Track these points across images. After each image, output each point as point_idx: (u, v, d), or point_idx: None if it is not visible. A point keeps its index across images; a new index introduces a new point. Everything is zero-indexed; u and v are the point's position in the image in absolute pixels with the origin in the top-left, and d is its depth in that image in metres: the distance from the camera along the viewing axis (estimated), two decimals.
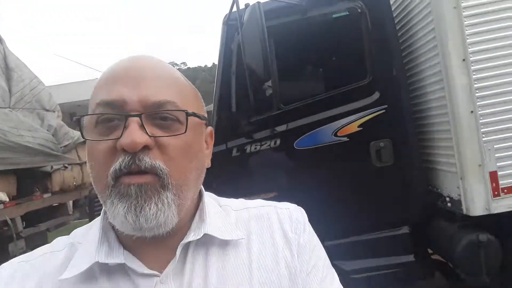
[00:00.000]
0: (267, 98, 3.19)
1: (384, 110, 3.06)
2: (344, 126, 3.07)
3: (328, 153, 3.08)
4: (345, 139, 3.07)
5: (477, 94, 2.71)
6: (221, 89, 3.18)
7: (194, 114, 0.66)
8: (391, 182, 3.09)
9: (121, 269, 0.65)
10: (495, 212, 2.72)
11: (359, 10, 3.09)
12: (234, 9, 2.96)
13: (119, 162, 0.60)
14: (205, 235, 0.69)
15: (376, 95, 3.08)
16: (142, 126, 0.60)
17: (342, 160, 3.10)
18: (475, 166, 2.74)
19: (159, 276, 0.65)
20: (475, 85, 2.71)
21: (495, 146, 2.71)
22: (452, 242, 2.92)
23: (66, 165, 5.66)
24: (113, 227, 0.67)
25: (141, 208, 0.60)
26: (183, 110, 0.64)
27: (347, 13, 3.09)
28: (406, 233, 3.15)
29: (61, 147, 5.55)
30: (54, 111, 5.90)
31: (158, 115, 0.63)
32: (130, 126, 0.60)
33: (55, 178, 5.48)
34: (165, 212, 0.61)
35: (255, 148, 3.05)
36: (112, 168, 0.60)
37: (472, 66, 2.70)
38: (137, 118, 0.60)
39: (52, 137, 5.42)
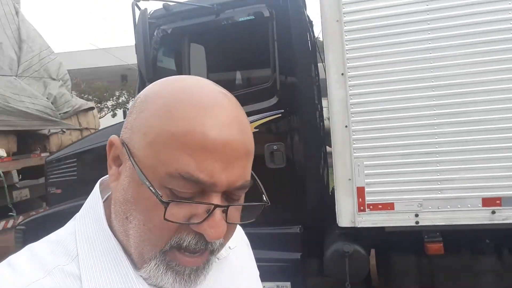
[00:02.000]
0: None
1: (280, 114, 3.16)
2: None
3: None
4: None
5: (352, 110, 2.72)
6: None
7: (265, 204, 0.64)
8: (283, 184, 3.23)
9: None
10: (360, 226, 2.79)
11: (265, 15, 3.14)
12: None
13: (190, 241, 0.57)
14: None
15: (274, 99, 3.17)
16: (224, 212, 0.57)
17: None
18: (345, 180, 2.80)
19: None
20: (351, 100, 2.72)
21: (364, 163, 2.74)
22: (326, 247, 3.05)
23: (64, 130, 6.34)
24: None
25: (191, 283, 0.59)
26: (264, 204, 0.63)
27: (253, 17, 3.15)
28: (296, 232, 3.31)
29: (60, 114, 6.21)
30: (59, 80, 6.55)
31: (235, 203, 0.59)
32: (216, 216, 0.55)
33: (53, 140, 6.20)
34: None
35: None
36: (175, 240, 0.57)
37: (349, 81, 2.71)
38: (222, 209, 0.56)
39: (51, 104, 6.08)
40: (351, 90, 2.71)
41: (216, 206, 0.55)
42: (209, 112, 0.55)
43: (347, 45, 2.69)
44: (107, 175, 0.65)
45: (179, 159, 0.54)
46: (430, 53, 2.59)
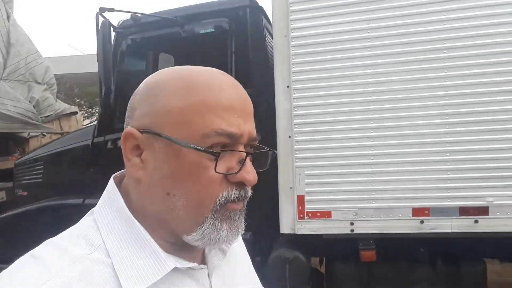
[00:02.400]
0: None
1: None
2: None
3: None
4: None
5: (295, 121, 2.87)
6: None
7: (273, 154, 0.74)
8: None
9: (176, 271, 0.67)
10: (299, 233, 2.90)
11: (224, 28, 3.32)
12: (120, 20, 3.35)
13: (234, 193, 0.65)
14: None
15: None
16: (251, 161, 0.68)
17: None
18: (288, 188, 2.92)
19: (205, 269, 0.72)
20: (294, 112, 2.87)
21: (305, 172, 2.87)
22: (270, 253, 3.15)
23: (45, 133, 6.47)
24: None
25: (239, 227, 0.67)
26: (273, 150, 0.73)
27: (213, 30, 3.33)
28: (247, 239, 3.41)
29: (41, 117, 6.34)
30: (44, 84, 6.70)
31: (258, 152, 0.70)
32: (248, 163, 0.66)
33: (33, 143, 6.32)
34: None
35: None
36: (223, 196, 0.64)
37: (294, 93, 2.86)
38: (249, 156, 0.66)
39: (33, 108, 6.22)
40: (295, 102, 2.87)
41: (249, 153, 0.66)
42: (221, 82, 0.66)
43: (293, 59, 2.85)
44: (120, 171, 0.73)
45: (212, 120, 0.62)
46: (369, 69, 2.75)
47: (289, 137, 2.90)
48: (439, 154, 2.64)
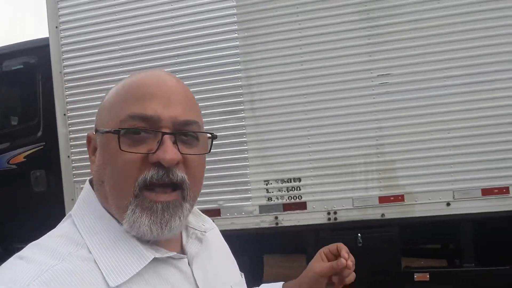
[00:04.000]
0: None
1: (42, 146, 3.80)
2: (14, 156, 3.86)
3: (3, 176, 3.89)
4: (14, 166, 3.86)
5: (71, 143, 3.37)
6: None
7: (213, 136, 0.75)
8: (46, 205, 3.81)
9: (158, 261, 0.69)
10: None
11: (32, 65, 3.84)
12: None
13: (152, 173, 0.64)
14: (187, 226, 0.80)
15: (39, 133, 3.83)
16: (175, 143, 0.66)
17: (13, 182, 3.89)
18: (70, 200, 3.40)
19: (185, 258, 0.74)
20: (70, 135, 3.37)
21: (81, 186, 3.36)
22: None
23: None
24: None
25: (167, 223, 0.66)
26: (209, 133, 0.74)
27: (22, 66, 3.85)
28: None
29: None
30: None
31: (183, 133, 0.68)
32: (166, 142, 0.65)
33: None
34: (183, 221, 0.69)
35: None
36: (140, 178, 0.64)
37: (69, 120, 3.37)
38: (171, 136, 0.66)
39: None
40: (70, 127, 3.37)
41: (164, 133, 0.65)
42: (149, 75, 0.71)
43: (66, 91, 3.37)
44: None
45: (128, 107, 0.66)
46: None
47: (68, 157, 3.39)
48: None
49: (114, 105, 0.69)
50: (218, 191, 3.12)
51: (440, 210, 2.86)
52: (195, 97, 0.76)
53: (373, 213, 2.95)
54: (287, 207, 3.07)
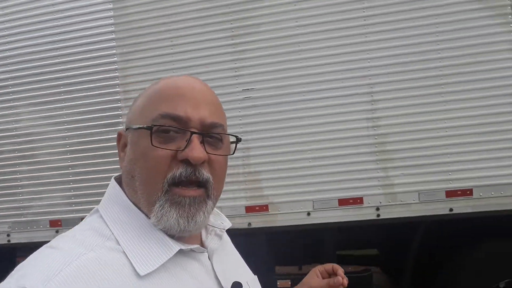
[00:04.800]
0: None
1: None
2: None
3: None
4: None
5: None
6: None
7: (237, 140, 0.80)
8: None
9: (181, 253, 0.72)
10: None
11: None
12: None
13: (180, 171, 0.69)
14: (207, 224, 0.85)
15: None
16: (202, 143, 0.71)
17: None
18: None
19: (205, 252, 0.79)
20: None
21: None
22: None
23: None
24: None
25: (193, 216, 0.70)
26: (234, 135, 0.78)
27: None
28: None
29: None
30: None
31: (209, 134, 0.73)
32: (194, 141, 0.70)
33: None
34: (207, 217, 0.74)
35: None
36: (169, 175, 0.69)
37: None
38: (199, 136, 0.71)
39: None
40: None
41: (193, 132, 0.70)
42: (181, 79, 0.77)
43: None
44: (119, 173, 0.80)
45: (160, 106, 0.72)
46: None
47: None
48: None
49: (146, 105, 0.74)
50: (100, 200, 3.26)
51: (301, 219, 2.98)
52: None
53: (241, 222, 3.07)
54: None
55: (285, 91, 2.98)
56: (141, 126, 0.71)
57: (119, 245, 0.69)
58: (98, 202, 0.79)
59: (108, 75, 3.24)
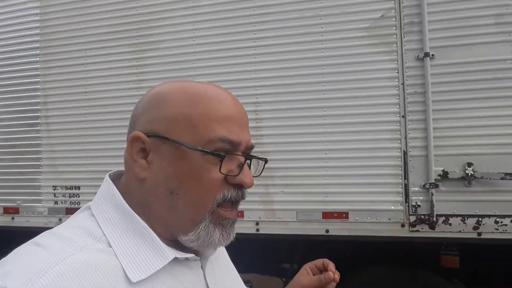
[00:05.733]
0: None
1: None
2: None
3: None
4: None
5: None
6: None
7: (265, 161, 0.82)
8: None
9: (175, 261, 0.71)
10: None
11: None
12: None
13: (231, 193, 0.72)
14: None
15: None
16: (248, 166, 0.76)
17: None
18: None
19: (199, 260, 0.78)
20: None
21: None
22: None
23: None
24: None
25: (229, 236, 0.74)
26: (265, 159, 0.81)
27: None
28: None
29: None
30: None
31: (255, 157, 0.78)
32: (246, 167, 0.74)
33: None
34: None
35: None
36: (220, 196, 0.71)
37: None
38: (248, 161, 0.75)
39: None
40: None
41: (247, 158, 0.75)
42: (219, 95, 0.75)
43: None
44: (114, 170, 0.79)
45: (215, 128, 0.71)
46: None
47: None
48: None
49: (194, 121, 0.71)
50: (18, 192, 3.58)
51: None
52: None
53: None
54: (68, 211, 3.47)
55: None
56: (202, 149, 0.70)
57: (111, 247, 0.67)
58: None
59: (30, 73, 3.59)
